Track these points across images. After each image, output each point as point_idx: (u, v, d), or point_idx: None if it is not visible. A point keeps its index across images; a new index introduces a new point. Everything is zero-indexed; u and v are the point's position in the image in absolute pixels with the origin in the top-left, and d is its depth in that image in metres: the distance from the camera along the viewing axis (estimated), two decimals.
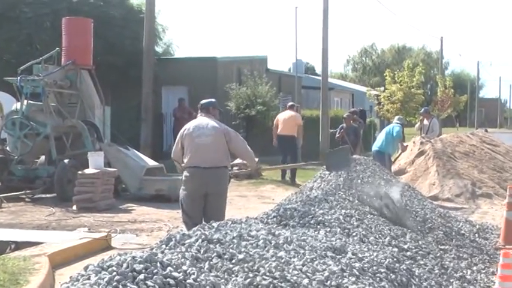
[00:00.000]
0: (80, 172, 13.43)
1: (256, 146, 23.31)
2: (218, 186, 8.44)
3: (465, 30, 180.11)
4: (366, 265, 5.33)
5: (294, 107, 19.82)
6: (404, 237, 7.15)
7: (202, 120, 8.51)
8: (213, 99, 8.91)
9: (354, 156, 11.25)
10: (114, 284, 3.64)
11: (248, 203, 14.80)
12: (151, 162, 15.80)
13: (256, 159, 9.53)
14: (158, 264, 3.97)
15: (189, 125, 8.51)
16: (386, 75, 33.31)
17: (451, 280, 6.45)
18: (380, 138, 15.46)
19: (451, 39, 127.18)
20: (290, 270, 4.63)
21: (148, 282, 3.71)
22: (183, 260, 4.25)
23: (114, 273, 3.75)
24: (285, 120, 18.78)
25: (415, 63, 40.40)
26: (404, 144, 16.34)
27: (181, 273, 3.94)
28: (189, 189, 8.33)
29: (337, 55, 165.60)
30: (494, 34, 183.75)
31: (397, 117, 16.44)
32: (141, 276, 3.76)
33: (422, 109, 20.54)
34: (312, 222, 6.54)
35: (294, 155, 18.83)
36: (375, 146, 15.33)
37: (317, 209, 7.09)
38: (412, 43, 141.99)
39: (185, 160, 8.36)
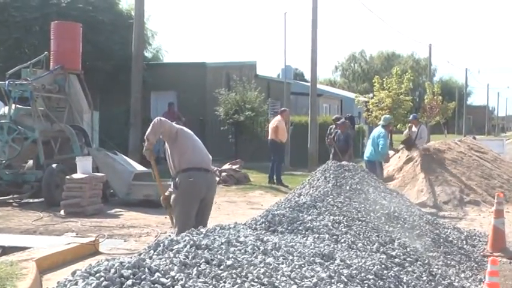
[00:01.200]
0: (68, 177, 13.40)
1: (245, 151, 23.45)
2: (214, 191, 8.37)
3: (453, 38, 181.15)
4: (354, 272, 5.33)
5: (283, 111, 20.36)
6: (393, 244, 7.15)
7: (186, 128, 8.37)
8: None
9: (343, 162, 11.24)
10: None
11: (237, 208, 14.79)
12: (140, 167, 15.76)
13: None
14: (146, 269, 3.96)
15: (181, 127, 8.18)
16: (375, 82, 33.38)
17: (439, 287, 6.46)
18: (368, 147, 15.53)
19: (440, 46, 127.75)
20: (278, 277, 4.62)
21: None
22: (171, 265, 4.24)
23: (102, 278, 3.74)
24: (270, 125, 19.76)
25: (403, 69, 40.60)
26: (390, 154, 16.35)
27: (169, 279, 3.93)
28: (191, 193, 7.86)
29: (326, 61, 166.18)
30: (483, 41, 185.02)
31: (383, 117, 16.38)
32: (129, 282, 3.75)
33: (411, 116, 20.59)
34: (300, 228, 6.53)
35: (275, 159, 19.42)
36: (365, 155, 15.44)
37: (306, 215, 7.09)
38: (400, 50, 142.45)
39: (182, 160, 7.88)
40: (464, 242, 9.83)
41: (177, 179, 7.89)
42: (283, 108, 21.24)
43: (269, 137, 19.53)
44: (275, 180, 19.15)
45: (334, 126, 18.80)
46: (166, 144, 8.14)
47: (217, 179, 18.51)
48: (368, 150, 15.36)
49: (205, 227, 5.98)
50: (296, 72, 64.89)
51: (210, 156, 8.24)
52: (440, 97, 40.53)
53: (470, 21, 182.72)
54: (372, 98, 34.04)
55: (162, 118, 8.12)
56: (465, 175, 16.52)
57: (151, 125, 7.92)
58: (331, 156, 18.31)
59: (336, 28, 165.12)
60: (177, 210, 7.98)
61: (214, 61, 32.56)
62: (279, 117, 19.78)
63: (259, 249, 5.18)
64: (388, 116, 16.73)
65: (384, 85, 32.58)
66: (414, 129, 18.90)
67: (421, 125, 20.16)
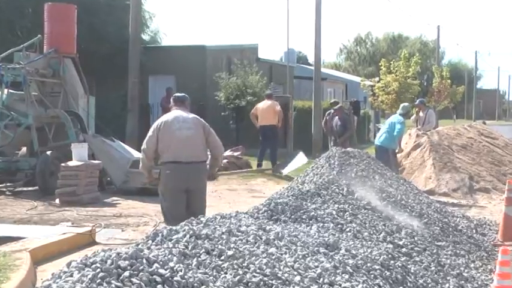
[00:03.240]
0: (63, 164, 13.39)
1: (246, 137, 23.42)
2: (199, 182, 8.45)
3: (463, 19, 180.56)
4: (359, 262, 5.33)
5: (272, 96, 20.11)
6: (400, 233, 7.15)
7: (179, 113, 8.45)
8: (186, 95, 8.89)
9: (343, 148, 11.23)
10: (98, 281, 3.62)
11: (238, 197, 14.80)
12: (138, 154, 15.68)
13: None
14: (144, 260, 3.96)
15: (166, 117, 8.42)
16: (381, 65, 33.38)
17: (448, 277, 6.45)
18: (382, 132, 15.31)
19: (448, 27, 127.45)
20: (281, 267, 4.62)
21: (134, 280, 3.70)
22: (170, 256, 4.23)
23: (98, 269, 3.73)
24: (263, 110, 19.18)
25: (411, 52, 40.52)
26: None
27: (168, 270, 3.93)
28: (169, 186, 8.26)
29: (330, 44, 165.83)
30: (493, 23, 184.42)
31: (402, 105, 16.06)
32: (126, 273, 3.74)
33: (418, 100, 20.55)
34: (304, 217, 6.53)
35: (274, 147, 19.13)
36: (377, 141, 15.19)
37: (309, 204, 7.08)
38: (408, 32, 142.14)
39: (163, 155, 8.26)
40: (474, 230, 9.83)
41: (160, 172, 8.37)
42: (269, 92, 21.09)
43: (266, 123, 19.02)
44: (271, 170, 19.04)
45: (331, 111, 18.88)
46: None
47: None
48: (381, 136, 15.10)
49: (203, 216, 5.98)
50: (299, 55, 64.79)
51: (199, 143, 8.32)
52: (448, 81, 40.54)
53: (480, 2, 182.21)
54: (378, 82, 34.06)
55: (144, 146, 8.47)
56: (475, 161, 16.52)
57: (141, 160, 8.62)
58: (331, 144, 18.36)
59: (340, 9, 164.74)
60: (162, 203, 8.49)
61: (214, 44, 32.48)
62: (274, 101, 19.56)
63: (261, 238, 5.17)
64: (407, 104, 16.58)
65: (391, 68, 32.56)
66: (421, 114, 18.88)
67: (429, 109, 20.15)
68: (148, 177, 8.67)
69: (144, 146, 8.45)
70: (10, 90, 14.92)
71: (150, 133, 8.39)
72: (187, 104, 8.67)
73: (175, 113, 8.46)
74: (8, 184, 14.33)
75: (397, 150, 15.24)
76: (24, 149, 15.40)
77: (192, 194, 8.29)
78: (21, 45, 15.60)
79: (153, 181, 8.76)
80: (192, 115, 8.49)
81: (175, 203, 8.23)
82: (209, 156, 8.64)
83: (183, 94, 8.85)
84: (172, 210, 8.24)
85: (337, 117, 18.44)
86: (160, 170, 8.34)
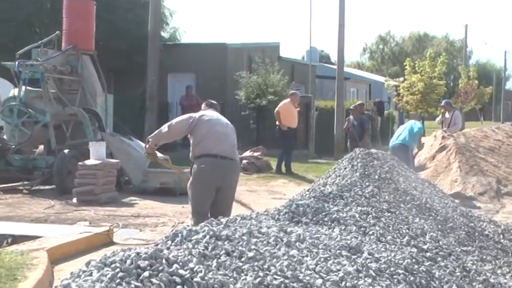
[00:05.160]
0: (80, 163, 13.47)
1: (267, 138, 23.45)
2: (233, 179, 8.47)
3: (491, 17, 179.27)
4: (383, 266, 5.33)
5: (292, 95, 19.88)
6: (424, 236, 7.13)
7: (213, 112, 8.61)
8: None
9: (367, 149, 11.20)
10: (118, 281, 3.65)
11: (258, 198, 14.82)
12: (157, 154, 15.80)
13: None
14: (164, 261, 3.98)
15: (205, 113, 8.51)
16: (406, 65, 33.29)
17: (474, 283, 6.43)
18: (401, 131, 15.33)
19: (476, 26, 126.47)
20: (303, 270, 4.63)
21: (154, 280, 3.72)
22: (189, 257, 4.26)
23: (118, 269, 3.76)
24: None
25: (437, 52, 40.36)
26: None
27: (188, 271, 3.95)
28: (204, 180, 8.14)
29: (353, 43, 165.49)
30: None
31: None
32: (146, 274, 3.77)
33: (443, 101, 20.49)
34: (325, 219, 6.53)
35: (283, 149, 19.07)
36: (397, 140, 15.12)
37: (331, 206, 7.08)
38: (433, 31, 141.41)
39: (196, 148, 8.24)
40: (502, 236, 9.77)
41: (193, 166, 8.26)
42: (292, 91, 20.97)
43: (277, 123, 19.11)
44: (284, 170, 18.99)
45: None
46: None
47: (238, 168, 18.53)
48: (402, 135, 15.07)
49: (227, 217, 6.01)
50: (322, 54, 64.82)
51: (235, 143, 8.39)
52: (476, 81, 40.35)
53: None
54: (403, 81, 33.97)
55: (173, 123, 8.46)
56: (503, 164, 16.43)
57: (158, 130, 8.47)
58: (348, 145, 18.40)
59: (364, 8, 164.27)
60: (190, 197, 8.29)
61: (235, 42, 32.62)
62: (286, 100, 19.46)
63: (282, 240, 5.19)
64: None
65: (416, 68, 32.46)
66: (447, 115, 18.82)
67: (455, 110, 20.09)
68: (150, 148, 8.54)
69: (172, 123, 8.41)
70: (28, 88, 15.04)
71: (185, 117, 8.44)
72: (219, 111, 8.81)
73: (209, 112, 8.59)
74: (25, 182, 14.42)
75: (417, 148, 15.34)
76: (41, 147, 15.52)
77: (224, 191, 8.27)
78: (39, 42, 15.72)
79: (151, 155, 8.68)
80: (226, 120, 8.67)
81: (205, 200, 8.17)
82: None
83: (216, 102, 9.00)
84: (200, 207, 8.17)
85: (352, 117, 18.52)
86: (193, 165, 8.27)
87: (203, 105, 8.92)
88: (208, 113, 8.55)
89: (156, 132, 8.59)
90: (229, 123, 8.70)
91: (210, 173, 8.11)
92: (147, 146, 8.56)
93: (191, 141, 8.35)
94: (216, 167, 8.11)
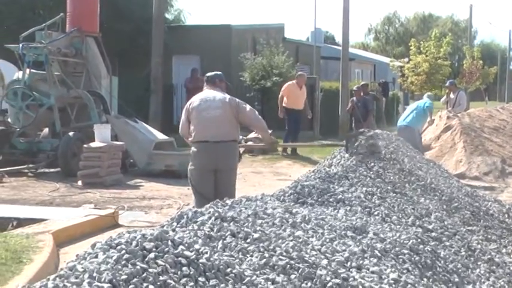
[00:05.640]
0: (85, 146, 13.48)
1: (272, 120, 23.40)
2: (228, 161, 8.49)
3: None
4: (388, 246, 5.33)
5: (297, 76, 19.75)
6: (429, 217, 7.13)
7: (208, 93, 8.55)
8: (219, 72, 8.94)
9: (370, 130, 11.17)
10: (123, 262, 3.65)
11: (263, 179, 14.83)
12: (161, 136, 15.83)
13: (270, 131, 9.66)
14: (169, 242, 3.98)
15: (195, 99, 8.55)
16: (411, 45, 33.21)
17: (479, 263, 6.44)
18: (408, 112, 15.26)
19: (481, 6, 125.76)
20: (308, 251, 4.64)
21: (159, 261, 3.73)
22: (195, 238, 4.26)
23: (123, 251, 3.76)
24: None
25: (442, 32, 40.21)
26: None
27: (193, 252, 3.95)
28: (197, 165, 8.36)
29: (358, 23, 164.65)
30: None
31: (426, 94, 16.26)
32: (152, 255, 3.78)
33: (448, 82, 20.44)
34: (331, 200, 6.53)
35: (288, 130, 19.05)
36: (403, 121, 15.09)
37: (337, 187, 7.08)
38: (438, 11, 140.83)
39: (192, 135, 8.38)
40: (506, 215, 9.76)
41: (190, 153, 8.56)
42: (300, 73, 20.77)
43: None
44: (289, 151, 18.95)
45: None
46: None
47: (242, 148, 18.51)
48: (408, 116, 15.02)
49: (230, 198, 6.01)
50: (326, 35, 64.50)
51: (226, 126, 8.35)
52: (480, 61, 40.20)
53: None
54: (408, 62, 33.90)
55: (180, 127, 8.77)
56: (508, 144, 16.39)
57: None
58: (353, 126, 18.35)
59: None
60: (191, 183, 8.52)
61: (239, 23, 32.44)
62: (290, 82, 19.35)
63: (287, 221, 5.19)
64: (430, 93, 16.81)
65: (421, 49, 32.38)
66: (452, 95, 18.79)
67: (460, 91, 20.05)
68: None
69: (180, 130, 8.77)
70: (32, 70, 15.02)
71: (182, 117, 8.67)
72: (218, 83, 8.69)
73: (204, 93, 8.56)
74: (30, 165, 14.44)
75: (428, 122, 15.33)
76: (46, 130, 15.51)
77: (220, 174, 8.35)
78: (43, 24, 15.67)
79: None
80: (220, 95, 8.48)
81: (203, 183, 8.31)
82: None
83: (214, 73, 8.87)
84: (200, 189, 8.32)
85: (355, 98, 18.45)
86: (190, 152, 8.51)
87: (204, 83, 8.87)
88: (200, 96, 8.52)
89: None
90: (225, 97, 8.50)
91: (202, 157, 8.29)
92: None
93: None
94: (208, 151, 8.27)
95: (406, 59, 35.46)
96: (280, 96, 18.82)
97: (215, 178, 8.34)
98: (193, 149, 8.41)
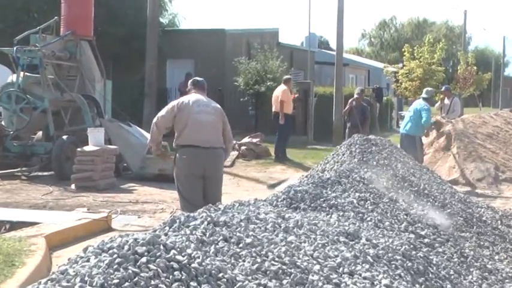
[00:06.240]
0: (79, 149, 13.47)
1: (265, 124, 23.45)
2: (217, 169, 8.47)
3: (490, 3, 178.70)
4: (380, 252, 5.34)
5: (288, 81, 19.57)
6: (422, 223, 7.14)
7: (200, 97, 8.46)
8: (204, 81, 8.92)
9: (365, 136, 11.17)
10: (115, 266, 3.65)
11: (257, 184, 14.83)
12: None
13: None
14: (161, 247, 3.98)
15: (186, 99, 8.39)
16: (405, 51, 33.24)
17: (471, 269, 6.45)
18: (407, 119, 15.13)
19: (475, 12, 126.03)
20: (300, 256, 4.64)
21: (151, 266, 3.73)
22: (187, 243, 4.26)
23: (115, 255, 3.76)
24: (273, 96, 19.04)
25: (436, 38, 40.28)
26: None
27: (185, 257, 3.95)
28: (186, 171, 8.23)
29: (352, 29, 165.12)
30: None
31: (426, 89, 16.03)
32: (144, 259, 3.77)
33: (443, 87, 20.44)
34: (323, 205, 6.53)
35: (280, 135, 18.87)
36: (403, 129, 14.99)
37: (329, 192, 7.09)
38: (433, 17, 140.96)
39: (179, 138, 8.24)
40: (499, 222, 9.79)
41: (176, 155, 8.32)
42: (287, 76, 20.47)
43: (274, 110, 18.82)
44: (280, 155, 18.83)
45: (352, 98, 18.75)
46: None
47: (236, 152, 18.51)
48: (407, 124, 14.94)
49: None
50: (321, 40, 64.64)
51: (219, 129, 8.36)
52: (474, 67, 40.26)
53: None
54: (402, 68, 33.95)
55: (158, 118, 8.41)
56: (501, 151, 16.42)
57: (150, 131, 8.50)
58: (347, 131, 18.29)
59: None
60: (178, 187, 8.41)
61: (234, 28, 32.49)
62: (284, 87, 19.02)
63: (280, 226, 5.19)
64: (430, 88, 16.51)
65: (415, 54, 32.43)
66: (446, 101, 18.79)
67: (454, 97, 20.06)
68: (157, 149, 8.59)
69: (157, 119, 8.37)
70: (26, 73, 15.01)
71: (167, 109, 8.36)
72: (205, 90, 8.71)
73: (196, 96, 8.45)
74: (24, 169, 14.43)
75: (424, 134, 15.23)
76: (40, 133, 15.52)
77: (208, 181, 8.29)
78: (38, 28, 15.69)
79: (161, 155, 8.83)
80: (212, 102, 8.52)
81: (192, 189, 8.21)
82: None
83: (202, 79, 8.86)
84: (189, 196, 8.22)
85: (354, 103, 18.32)
86: (176, 154, 8.33)
87: (189, 84, 8.78)
88: (192, 98, 8.41)
89: (149, 137, 8.64)
90: (217, 105, 8.56)
91: (191, 163, 8.16)
92: (153, 150, 8.64)
93: (175, 130, 8.34)
94: (197, 157, 8.14)
95: (400, 65, 35.52)
96: (280, 101, 18.51)
97: (203, 185, 8.26)
98: (180, 153, 8.24)
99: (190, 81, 8.86)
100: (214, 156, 8.32)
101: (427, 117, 14.52)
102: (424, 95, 15.34)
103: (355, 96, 18.51)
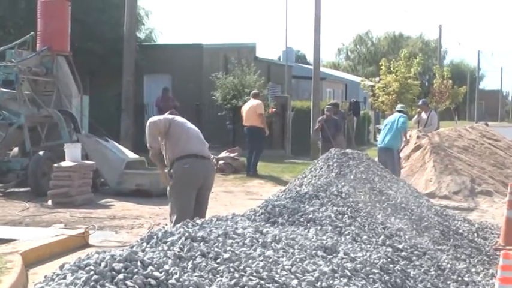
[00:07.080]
0: (55, 165, 13.41)
1: (243, 138, 23.44)
2: (212, 178, 8.60)
3: (465, 18, 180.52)
4: (358, 266, 5.35)
5: (258, 95, 19.62)
6: (399, 236, 7.16)
7: (178, 117, 8.57)
8: None
9: (340, 150, 11.18)
10: (92, 283, 3.63)
11: (235, 199, 14.81)
12: (132, 155, 15.78)
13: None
14: (139, 263, 3.97)
15: (171, 116, 8.39)
16: (381, 65, 33.43)
17: (448, 282, 6.47)
18: (385, 133, 15.18)
19: (450, 27, 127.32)
20: (278, 271, 4.63)
21: (128, 283, 3.71)
22: (165, 259, 4.25)
23: (92, 272, 3.74)
24: (247, 111, 18.81)
25: (412, 52, 40.55)
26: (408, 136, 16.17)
27: (163, 273, 3.94)
28: (187, 181, 8.08)
29: (329, 43, 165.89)
30: (496, 23, 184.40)
31: (399, 105, 16.29)
32: (121, 276, 3.76)
33: (421, 101, 20.54)
34: (301, 219, 6.54)
35: (259, 150, 18.82)
36: (381, 143, 15.10)
37: (307, 206, 7.09)
38: (409, 31, 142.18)
39: (175, 150, 8.11)
40: (476, 234, 9.85)
41: (172, 169, 8.14)
42: (256, 91, 20.23)
43: (249, 124, 18.65)
44: (251, 171, 18.66)
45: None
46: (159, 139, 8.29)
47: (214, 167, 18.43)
48: (385, 137, 14.97)
49: (203, 218, 6.01)
50: (298, 54, 64.90)
51: (207, 143, 8.43)
52: (450, 81, 40.59)
53: (482, 0, 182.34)
54: (378, 82, 34.13)
55: (154, 118, 8.39)
56: (477, 164, 16.53)
57: (147, 131, 8.23)
58: (319, 146, 18.30)
59: (339, 8, 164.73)
60: (173, 200, 8.21)
61: (211, 43, 32.52)
62: (257, 100, 18.89)
63: (258, 241, 5.19)
64: (402, 105, 16.86)
65: (391, 68, 32.63)
66: (424, 115, 18.88)
67: (431, 111, 20.16)
68: (162, 177, 8.66)
69: (150, 140, 8.20)
70: (2, 89, 14.92)
71: (161, 118, 8.27)
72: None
73: (178, 117, 8.54)
74: None
75: (403, 142, 15.26)
76: (16, 149, 15.42)
77: (203, 193, 8.31)
78: (14, 43, 15.61)
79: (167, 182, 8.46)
80: None
81: (189, 200, 8.11)
82: None
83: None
84: (183, 208, 8.02)
85: (325, 116, 18.31)
86: (174, 166, 8.11)
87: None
88: (175, 116, 8.48)
89: (147, 135, 8.29)
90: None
91: (193, 173, 8.07)
92: (152, 150, 8.28)
93: (166, 145, 8.17)
94: (198, 167, 8.11)
95: (377, 79, 35.71)
96: (259, 114, 18.48)
97: (197, 196, 8.20)
98: (179, 164, 8.05)
99: (167, 113, 8.78)
100: (211, 166, 8.51)
101: (403, 122, 14.69)
102: (400, 108, 15.51)
103: (326, 113, 18.52)
